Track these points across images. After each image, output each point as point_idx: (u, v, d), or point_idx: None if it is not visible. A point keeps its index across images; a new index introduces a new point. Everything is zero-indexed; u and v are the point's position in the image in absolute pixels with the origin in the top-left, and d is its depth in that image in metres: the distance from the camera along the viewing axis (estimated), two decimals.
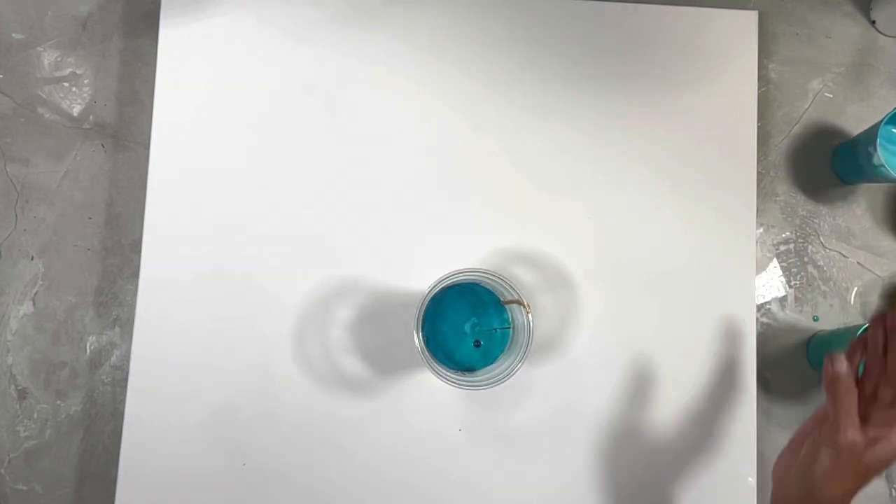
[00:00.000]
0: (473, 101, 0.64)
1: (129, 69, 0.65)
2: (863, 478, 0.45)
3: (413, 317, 0.53)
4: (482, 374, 0.55)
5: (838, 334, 0.61)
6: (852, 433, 0.44)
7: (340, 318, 0.61)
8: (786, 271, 0.65)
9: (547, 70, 0.64)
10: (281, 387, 0.60)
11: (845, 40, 0.68)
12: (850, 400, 0.45)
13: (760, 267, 0.65)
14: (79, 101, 0.64)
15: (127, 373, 0.59)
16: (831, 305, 0.65)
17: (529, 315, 0.54)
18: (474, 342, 0.57)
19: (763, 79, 0.67)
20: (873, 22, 0.68)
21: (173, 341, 0.60)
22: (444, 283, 0.53)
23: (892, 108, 0.58)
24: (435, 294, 0.53)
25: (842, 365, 0.45)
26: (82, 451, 0.61)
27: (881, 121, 0.59)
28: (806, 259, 0.66)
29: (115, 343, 0.62)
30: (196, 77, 0.63)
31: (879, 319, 0.49)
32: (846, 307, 0.65)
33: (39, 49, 0.65)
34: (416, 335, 0.52)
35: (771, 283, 0.65)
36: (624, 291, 0.62)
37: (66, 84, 0.64)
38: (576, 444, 0.61)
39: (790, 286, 0.65)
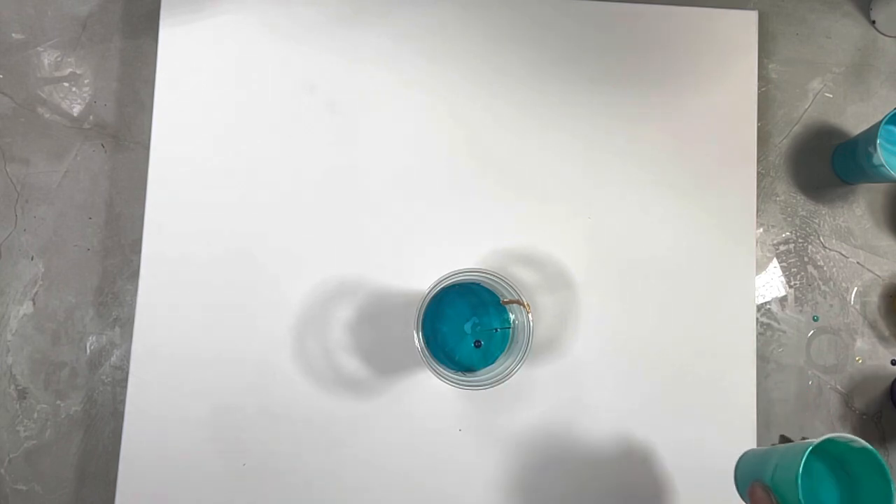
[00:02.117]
0: (473, 102, 0.64)
1: (129, 69, 0.65)
2: None
3: (413, 317, 0.53)
4: (482, 374, 0.55)
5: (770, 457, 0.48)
6: None
7: (340, 318, 0.61)
8: (786, 271, 0.66)
9: (547, 70, 0.64)
10: (281, 387, 0.60)
11: (845, 40, 0.68)
12: None
13: (760, 267, 0.65)
14: (79, 101, 0.64)
15: (127, 373, 0.59)
16: (831, 305, 0.65)
17: (529, 315, 0.54)
18: (474, 342, 0.57)
19: (763, 79, 0.67)
20: (873, 22, 0.68)
21: (173, 341, 0.60)
22: (444, 283, 0.53)
23: (892, 108, 0.58)
24: (435, 294, 0.53)
25: (765, 490, 0.43)
26: (82, 451, 0.61)
27: (881, 121, 0.59)
28: (806, 259, 0.66)
29: (115, 343, 0.62)
30: (196, 77, 0.63)
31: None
32: (846, 307, 0.65)
33: (39, 49, 0.65)
34: (416, 335, 0.52)
35: (771, 283, 0.65)
36: (624, 291, 0.62)
37: (66, 84, 0.64)
38: (576, 443, 0.61)
39: (790, 286, 0.65)
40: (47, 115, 0.64)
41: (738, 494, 0.50)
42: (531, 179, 0.63)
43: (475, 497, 0.60)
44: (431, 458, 0.60)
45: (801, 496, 0.40)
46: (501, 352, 0.57)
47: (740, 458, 0.52)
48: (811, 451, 0.41)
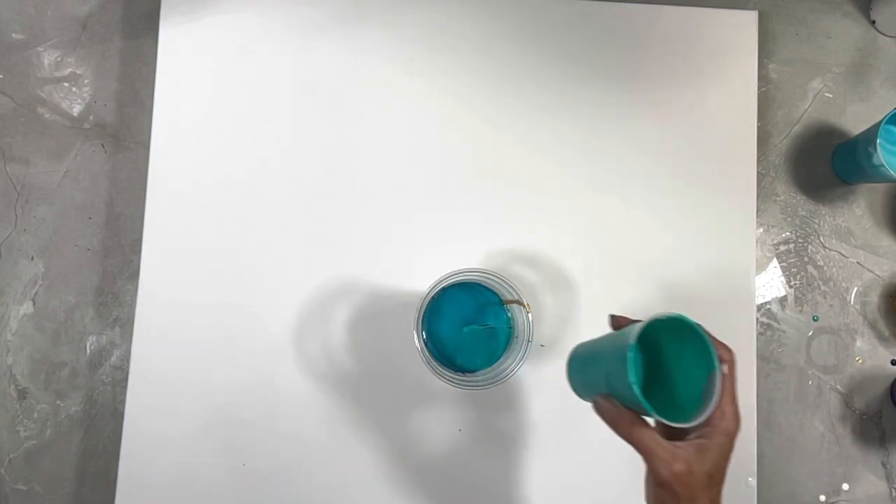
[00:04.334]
0: (474, 101, 0.64)
1: (129, 69, 0.65)
2: (711, 486, 0.39)
3: (413, 317, 0.53)
4: (482, 375, 0.55)
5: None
6: (666, 469, 0.39)
7: (341, 318, 0.61)
8: (786, 271, 0.65)
9: (547, 70, 0.64)
10: (281, 387, 0.60)
11: (845, 40, 0.68)
12: (643, 434, 0.40)
13: (760, 267, 0.65)
14: (79, 101, 0.64)
15: (127, 373, 0.59)
16: (831, 305, 0.65)
17: (529, 315, 0.54)
18: (484, 326, 0.57)
19: (763, 79, 0.67)
20: (873, 22, 0.68)
21: (173, 341, 0.60)
22: (444, 283, 0.53)
23: (892, 108, 0.58)
24: (435, 294, 0.53)
25: (611, 402, 0.42)
26: (82, 451, 0.61)
27: (881, 121, 0.59)
28: (806, 259, 0.66)
29: (115, 343, 0.62)
30: (196, 77, 0.63)
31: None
32: (846, 307, 0.65)
33: (39, 49, 0.65)
34: (416, 335, 0.52)
35: (771, 283, 0.65)
36: (624, 291, 0.62)
37: (66, 84, 0.64)
38: (576, 443, 0.61)
39: (790, 286, 0.65)
40: (47, 115, 0.64)
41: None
42: (531, 179, 0.63)
43: (475, 496, 0.60)
44: (431, 457, 0.60)
45: (645, 404, 0.38)
46: (503, 352, 0.57)
47: (571, 358, 0.48)
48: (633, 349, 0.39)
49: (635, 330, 0.39)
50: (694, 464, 0.39)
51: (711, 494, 0.39)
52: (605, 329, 0.62)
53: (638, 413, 0.41)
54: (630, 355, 0.38)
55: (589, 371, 0.46)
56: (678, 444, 0.40)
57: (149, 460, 0.58)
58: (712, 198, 0.64)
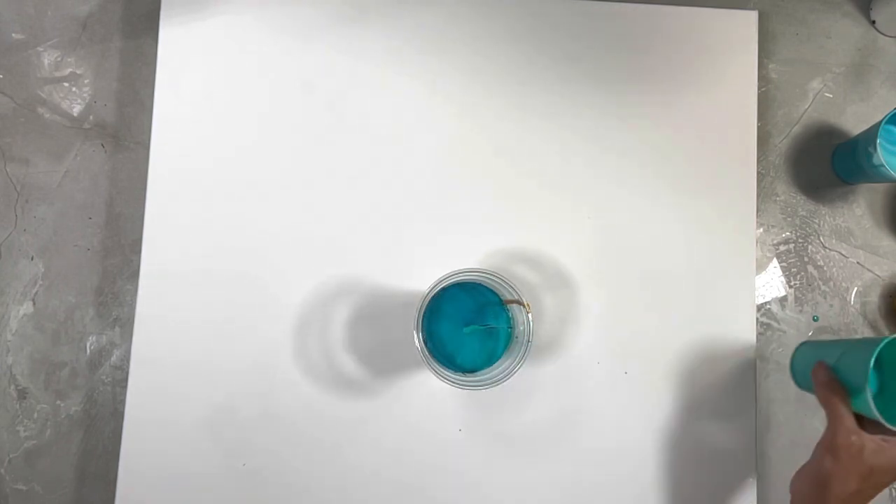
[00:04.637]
0: (473, 101, 0.64)
1: (129, 69, 0.65)
2: (867, 479, 0.46)
3: (413, 317, 0.53)
4: (482, 375, 0.55)
5: (824, 346, 0.58)
6: (844, 436, 0.46)
7: (340, 318, 0.61)
8: (786, 271, 0.66)
9: (547, 70, 0.64)
10: (281, 387, 0.60)
11: (845, 40, 0.68)
12: (840, 403, 0.48)
13: (760, 267, 0.65)
14: (79, 101, 0.64)
15: (127, 373, 0.59)
16: (831, 305, 0.65)
17: (529, 315, 0.54)
18: (484, 326, 0.57)
19: (763, 79, 0.67)
20: (873, 22, 0.68)
21: (173, 341, 0.60)
22: (444, 283, 0.53)
23: (892, 108, 0.58)
24: (435, 294, 0.53)
25: (829, 371, 0.50)
26: (82, 451, 0.61)
27: (881, 121, 0.59)
28: (806, 259, 0.66)
29: (115, 343, 0.62)
30: (196, 77, 0.63)
31: None
32: (846, 307, 0.65)
33: (39, 49, 0.65)
34: (415, 335, 0.52)
35: (771, 283, 0.65)
36: (624, 291, 0.62)
37: (66, 84, 0.64)
38: (576, 444, 0.61)
39: (790, 286, 0.65)
40: (47, 115, 0.64)
41: (795, 384, 0.58)
42: (531, 179, 0.63)
43: (474, 497, 0.60)
44: (431, 458, 0.60)
45: (871, 383, 0.46)
46: (503, 352, 0.57)
47: (798, 349, 0.58)
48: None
49: (890, 337, 0.47)
50: (866, 449, 0.45)
51: (862, 487, 0.46)
52: (602, 327, 0.62)
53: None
54: (885, 341, 0.46)
55: (822, 352, 0.54)
56: (862, 430, 0.47)
57: (149, 460, 0.58)
58: (712, 198, 0.64)
